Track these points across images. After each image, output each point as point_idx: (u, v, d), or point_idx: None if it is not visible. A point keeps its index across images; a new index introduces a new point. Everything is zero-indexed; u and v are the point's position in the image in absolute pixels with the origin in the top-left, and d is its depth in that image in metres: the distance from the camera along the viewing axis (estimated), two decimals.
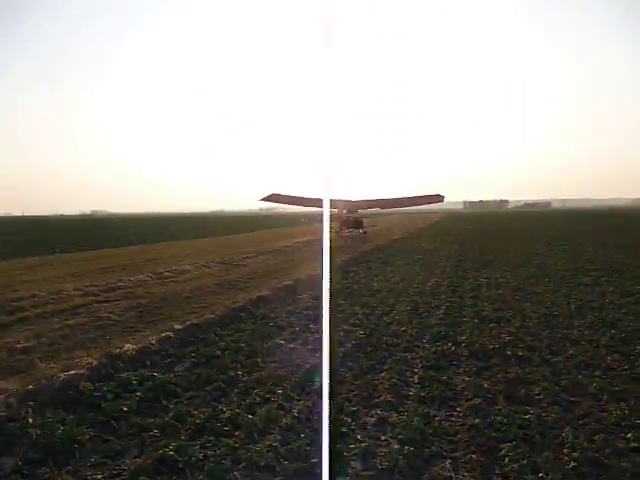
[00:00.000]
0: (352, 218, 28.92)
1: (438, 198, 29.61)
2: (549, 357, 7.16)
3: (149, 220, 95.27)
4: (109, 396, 5.77)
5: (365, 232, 29.44)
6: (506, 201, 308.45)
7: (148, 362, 7.13)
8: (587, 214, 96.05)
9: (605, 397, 5.67)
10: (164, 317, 10.33)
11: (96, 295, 12.97)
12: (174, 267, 17.94)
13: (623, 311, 10.05)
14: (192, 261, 20.04)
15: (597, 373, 6.47)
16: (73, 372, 6.19)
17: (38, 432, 4.76)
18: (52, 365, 6.87)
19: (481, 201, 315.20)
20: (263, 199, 28.64)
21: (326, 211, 3.22)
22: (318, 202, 25.86)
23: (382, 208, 31.06)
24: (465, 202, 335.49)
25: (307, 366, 6.86)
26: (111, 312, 10.75)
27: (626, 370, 6.57)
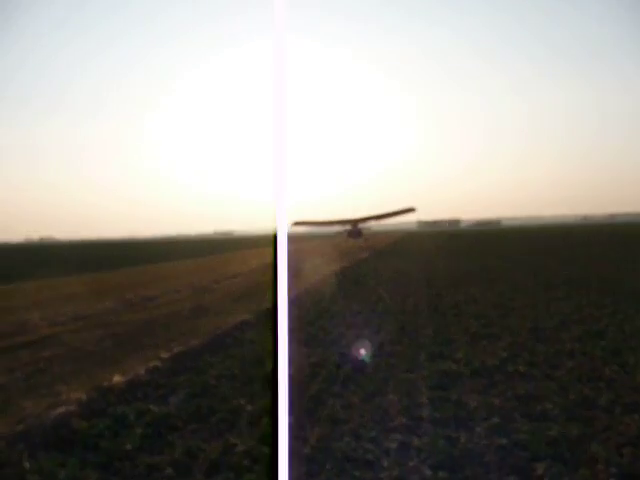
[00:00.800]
0: (356, 230, 35.21)
1: (411, 210, 35.73)
2: (550, 372, 7.16)
3: (94, 246, 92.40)
4: (107, 434, 5.32)
5: (366, 239, 35.75)
6: (458, 220, 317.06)
7: (140, 394, 6.68)
8: (538, 232, 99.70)
9: (618, 410, 5.66)
10: (144, 346, 9.85)
11: (64, 324, 12.28)
12: (143, 293, 17.28)
13: (604, 322, 10.27)
14: (160, 286, 19.41)
15: (601, 385, 6.50)
16: (63, 409, 5.69)
17: (38, 478, 4.30)
18: (35, 402, 6.34)
19: (434, 220, 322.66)
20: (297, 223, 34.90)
21: (281, 233, 3.09)
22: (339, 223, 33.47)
23: (377, 220, 36.20)
24: (419, 221, 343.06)
25: (311, 391, 6.60)
26: (85, 342, 10.15)
27: (628, 381, 6.63)
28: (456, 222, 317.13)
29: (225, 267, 28.95)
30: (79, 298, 16.99)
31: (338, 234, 40.20)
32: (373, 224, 36.56)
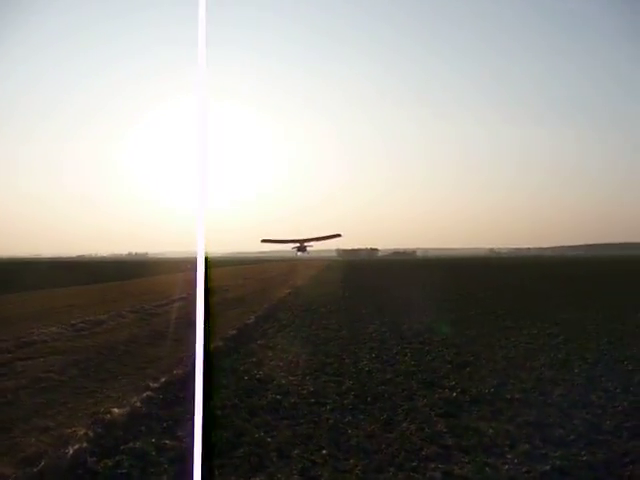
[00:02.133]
0: (302, 247, 42.39)
1: (338, 235, 42.89)
2: (544, 398, 7.50)
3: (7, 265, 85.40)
4: (135, 473, 4.89)
5: (308, 253, 43.37)
6: (376, 249, 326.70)
7: (144, 428, 6.21)
8: (453, 263, 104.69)
9: (625, 434, 6.03)
10: (114, 374, 9.22)
11: (12, 352, 11.17)
12: (86, 317, 16.15)
13: (564, 351, 10.95)
14: (102, 310, 18.25)
15: (597, 412, 6.89)
16: (76, 447, 5.16)
17: None
18: (29, 440, 5.70)
19: (353, 249, 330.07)
20: (263, 241, 42.75)
21: (200, 258, 3.42)
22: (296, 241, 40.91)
23: (315, 241, 43.42)
24: (339, 250, 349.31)
25: (330, 421, 6.47)
26: (48, 371, 9.30)
27: (617, 406, 7.09)
28: (374, 251, 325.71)
29: (163, 291, 27.82)
30: (17, 321, 15.55)
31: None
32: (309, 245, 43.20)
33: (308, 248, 44.56)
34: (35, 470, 4.70)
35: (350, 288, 30.38)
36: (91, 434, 5.61)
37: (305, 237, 42.98)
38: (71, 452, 5.04)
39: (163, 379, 8.22)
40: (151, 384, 7.92)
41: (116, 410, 6.46)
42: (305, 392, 7.83)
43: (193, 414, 6.52)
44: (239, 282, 37.04)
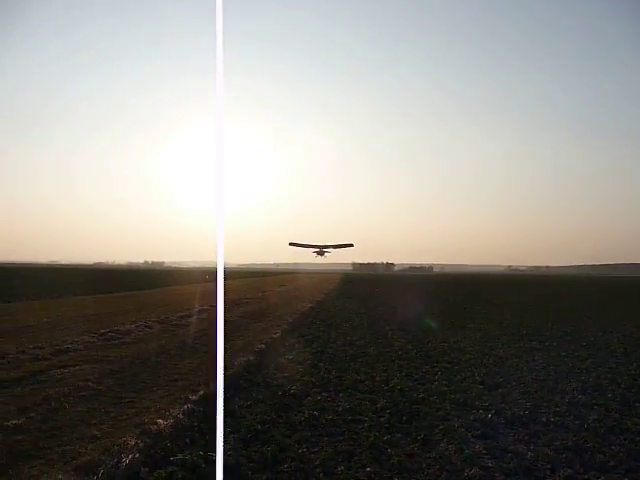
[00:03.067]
0: (321, 252, 48.93)
1: (351, 245, 48.71)
2: (579, 422, 7.53)
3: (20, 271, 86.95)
4: None
5: (325, 256, 49.56)
6: (392, 264, 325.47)
7: (188, 440, 6.38)
8: (472, 280, 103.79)
9: None
10: (148, 385, 9.45)
11: (48, 359, 11.47)
12: (115, 327, 16.47)
13: (594, 374, 10.91)
14: (128, 319, 18.58)
15: (635, 438, 6.90)
16: (129, 457, 5.35)
17: None
18: (80, 448, 5.92)
19: (369, 263, 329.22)
20: (290, 244, 48.91)
21: (220, 269, 3.51)
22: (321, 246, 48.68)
23: (334, 248, 49.68)
24: (354, 263, 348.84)
25: (369, 439, 6.59)
26: (86, 380, 9.55)
27: None
28: (391, 266, 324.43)
29: (185, 302, 28.20)
30: (46, 329, 15.93)
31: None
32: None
33: (326, 254, 53.48)
34: (95, 478, 4.89)
35: (371, 304, 30.45)
36: (141, 444, 5.79)
37: (324, 244, 52.13)
38: (126, 462, 5.22)
39: (201, 392, 8.39)
40: (190, 396, 8.10)
41: (161, 421, 6.64)
42: (341, 409, 7.96)
43: (234, 428, 6.73)
44: (258, 295, 37.30)
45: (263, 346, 13.29)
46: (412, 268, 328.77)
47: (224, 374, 9.89)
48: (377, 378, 10.18)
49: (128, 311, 22.71)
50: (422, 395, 8.87)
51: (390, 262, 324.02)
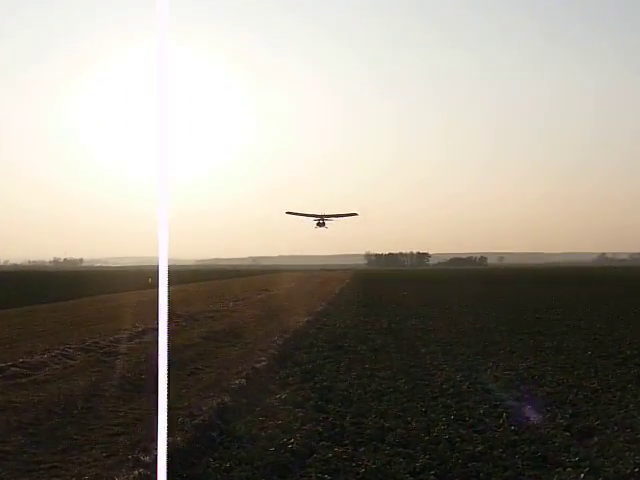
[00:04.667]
0: (322, 222, 73.28)
1: (355, 214, 73.78)
2: None
3: None
4: None
5: (327, 227, 73.76)
6: (426, 254, 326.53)
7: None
8: (548, 275, 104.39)
9: None
10: (78, 442, 9.73)
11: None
12: (19, 359, 16.72)
13: None
14: (39, 347, 18.87)
15: None
16: None
17: None
18: None
19: (391, 254, 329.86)
20: (287, 212, 76.08)
21: (163, 268, 3.68)
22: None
23: (336, 217, 75.26)
24: (369, 254, 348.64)
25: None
26: None
27: None
28: (424, 257, 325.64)
29: (121, 318, 28.51)
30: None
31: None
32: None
33: (327, 224, 73.03)
34: None
35: (397, 315, 30.76)
36: None
37: (325, 213, 73.02)
38: None
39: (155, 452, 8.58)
40: (142, 457, 8.31)
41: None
42: (363, 471, 8.17)
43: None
44: (229, 305, 37.67)
45: (242, 381, 13.59)
46: (456, 260, 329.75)
47: (189, 423, 10.13)
48: (413, 424, 10.44)
49: (37, 334, 22.96)
50: (481, 448, 9.10)
51: (423, 252, 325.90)
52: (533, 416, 10.98)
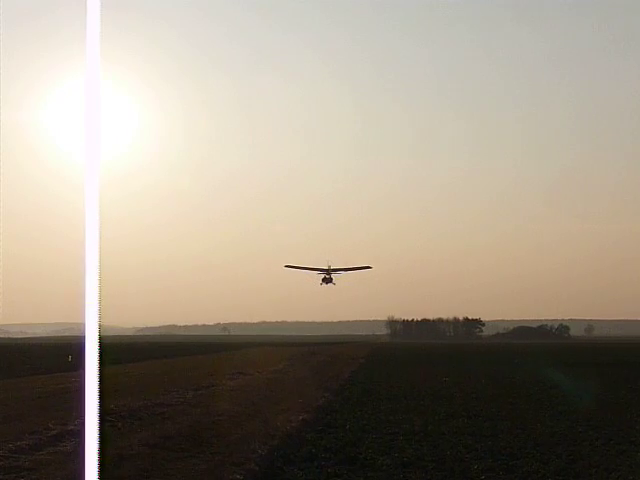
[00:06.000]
0: (329, 278, 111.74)
1: (368, 268, 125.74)
2: None
3: None
4: None
5: (334, 284, 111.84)
6: (478, 322, 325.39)
7: None
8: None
9: None
10: None
11: None
12: None
13: None
14: None
15: None
16: None
17: None
18: None
19: (426, 321, 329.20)
20: (286, 266, 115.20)
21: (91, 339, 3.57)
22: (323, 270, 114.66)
23: (344, 271, 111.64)
24: (392, 320, 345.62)
25: None
26: None
27: None
28: (475, 325, 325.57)
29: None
30: None
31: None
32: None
33: (335, 279, 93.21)
34: None
35: (432, 413, 30.59)
36: None
37: (332, 267, 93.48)
38: None
39: None
40: None
41: None
42: None
43: None
44: (186, 396, 37.42)
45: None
46: (522, 330, 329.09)
47: None
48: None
49: None
50: None
51: (473, 318, 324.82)
52: None
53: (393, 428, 25.61)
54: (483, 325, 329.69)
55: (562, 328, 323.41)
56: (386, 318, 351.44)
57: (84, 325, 3.50)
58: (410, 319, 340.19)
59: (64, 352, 44.33)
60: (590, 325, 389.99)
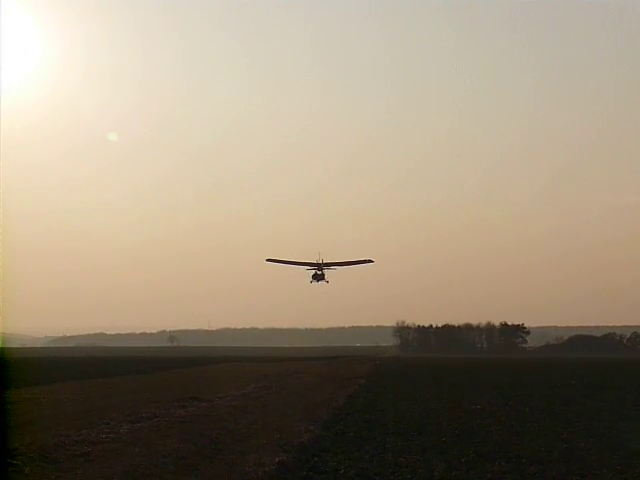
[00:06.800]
0: (320, 275, 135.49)
1: (370, 261, 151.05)
2: None
3: None
4: None
5: (327, 281, 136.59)
6: (521, 329, 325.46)
7: None
8: None
9: None
10: None
11: None
12: None
13: None
14: None
15: None
16: None
17: None
18: None
19: (449, 327, 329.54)
20: (268, 260, 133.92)
21: None
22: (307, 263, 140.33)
23: (339, 266, 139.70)
24: (403, 326, 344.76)
25: None
26: None
27: None
28: (518, 335, 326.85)
29: None
30: None
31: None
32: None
33: (327, 275, 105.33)
34: None
35: (457, 453, 30.68)
36: None
37: (324, 260, 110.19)
38: None
39: None
40: None
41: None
42: None
43: None
44: (119, 431, 37.46)
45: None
46: (582, 339, 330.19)
47: None
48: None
49: None
50: None
51: (513, 324, 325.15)
52: None
53: (405, 474, 25.50)
54: (528, 333, 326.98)
55: (638, 338, 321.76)
56: (394, 324, 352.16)
57: None
58: (426, 325, 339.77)
59: None
60: None
